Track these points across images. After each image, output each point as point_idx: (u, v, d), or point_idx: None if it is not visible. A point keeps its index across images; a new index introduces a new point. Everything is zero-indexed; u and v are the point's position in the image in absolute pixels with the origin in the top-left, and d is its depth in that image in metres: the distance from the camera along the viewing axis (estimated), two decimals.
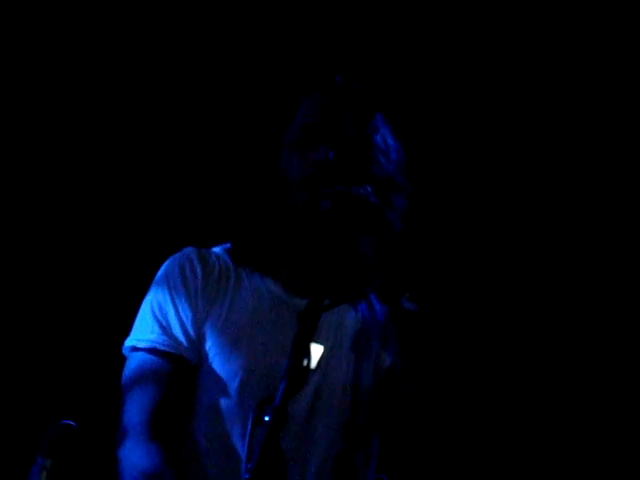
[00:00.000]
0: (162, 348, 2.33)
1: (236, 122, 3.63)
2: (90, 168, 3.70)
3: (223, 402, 2.32)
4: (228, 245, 2.49)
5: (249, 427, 1.81)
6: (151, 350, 2.34)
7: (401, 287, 2.31)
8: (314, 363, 2.30)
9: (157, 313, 2.37)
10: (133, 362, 2.36)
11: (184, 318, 2.36)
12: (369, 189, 2.29)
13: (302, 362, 1.84)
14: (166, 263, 2.44)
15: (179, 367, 2.33)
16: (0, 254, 3.60)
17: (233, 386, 2.32)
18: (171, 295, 2.38)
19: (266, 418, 1.78)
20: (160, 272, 2.44)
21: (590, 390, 3.76)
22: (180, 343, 2.34)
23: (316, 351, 2.30)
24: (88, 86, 3.70)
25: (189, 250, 2.44)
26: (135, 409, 2.29)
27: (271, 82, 3.57)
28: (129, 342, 2.38)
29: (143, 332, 2.36)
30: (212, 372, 2.34)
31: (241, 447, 2.24)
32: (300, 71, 2.96)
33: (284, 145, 2.44)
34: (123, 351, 2.41)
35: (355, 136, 2.39)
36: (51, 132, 3.69)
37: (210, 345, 2.35)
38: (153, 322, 2.36)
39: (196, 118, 3.74)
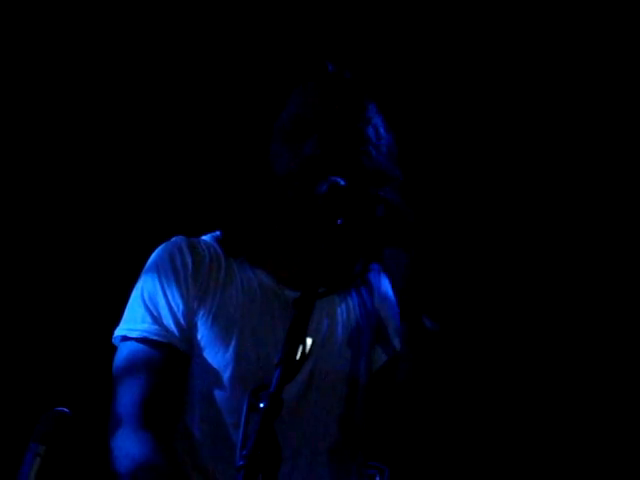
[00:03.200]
0: (153, 337, 2.33)
1: (226, 111, 3.62)
2: (79, 157, 3.70)
3: (216, 391, 2.32)
4: (217, 233, 2.49)
5: (243, 414, 1.80)
6: (142, 340, 2.33)
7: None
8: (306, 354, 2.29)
9: (148, 302, 2.36)
10: (124, 352, 2.35)
11: (175, 307, 2.35)
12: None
13: (297, 348, 1.84)
14: (156, 252, 2.43)
15: (170, 356, 2.33)
16: None
17: (225, 376, 2.31)
18: (162, 284, 2.37)
19: (261, 405, 1.77)
20: (150, 261, 2.43)
21: (592, 394, 3.77)
22: (171, 332, 2.33)
23: (307, 342, 2.30)
24: (71, 71, 3.69)
25: (179, 239, 2.44)
26: (127, 398, 2.29)
27: (262, 70, 3.56)
28: (119, 332, 2.37)
29: (134, 321, 2.36)
30: (204, 362, 2.33)
31: (235, 434, 2.25)
32: (291, 58, 2.95)
33: (274, 135, 2.43)
34: (113, 340, 2.40)
35: (345, 129, 2.38)
36: (35, 118, 3.68)
37: (202, 335, 2.34)
38: (144, 311, 2.35)
39: (186, 107, 3.73)
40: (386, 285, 2.59)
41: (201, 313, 2.35)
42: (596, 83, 3.79)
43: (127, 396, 2.29)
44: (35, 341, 3.57)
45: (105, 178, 3.71)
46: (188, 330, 2.35)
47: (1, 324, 3.56)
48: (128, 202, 3.69)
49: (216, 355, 2.32)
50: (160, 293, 2.36)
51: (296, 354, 1.83)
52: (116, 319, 2.41)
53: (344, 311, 2.46)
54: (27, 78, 3.67)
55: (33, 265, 3.63)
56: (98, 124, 3.72)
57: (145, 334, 2.33)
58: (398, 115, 2.61)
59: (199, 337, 2.34)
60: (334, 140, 2.35)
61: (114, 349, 2.40)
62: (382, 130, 2.47)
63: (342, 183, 2.20)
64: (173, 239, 2.44)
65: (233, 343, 2.33)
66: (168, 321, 2.34)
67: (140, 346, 2.33)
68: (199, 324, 2.35)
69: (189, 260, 2.39)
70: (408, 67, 3.79)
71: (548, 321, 3.82)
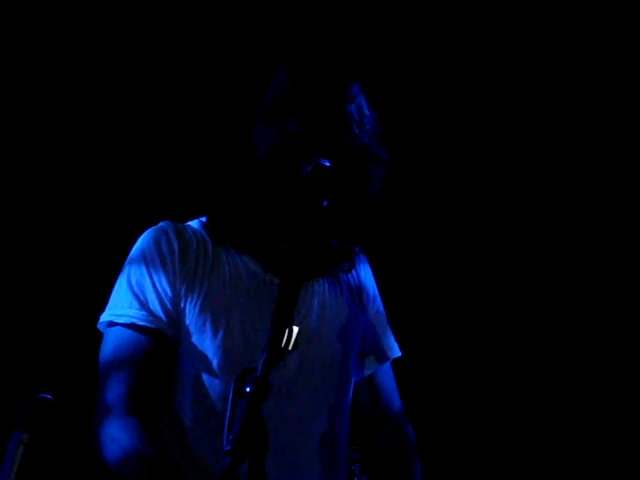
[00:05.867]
0: (141, 323, 2.30)
1: (209, 94, 3.60)
2: (64, 144, 3.68)
3: (205, 377, 2.30)
4: (204, 219, 2.46)
5: (230, 398, 1.78)
6: (130, 325, 2.31)
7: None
8: (292, 343, 2.29)
9: (135, 288, 2.34)
10: (111, 337, 2.32)
11: (162, 293, 2.33)
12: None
13: (284, 332, 1.82)
14: (141, 238, 2.41)
15: (158, 342, 2.31)
16: None
17: (214, 362, 2.30)
18: (148, 270, 2.35)
19: (247, 389, 1.75)
20: (136, 247, 2.40)
21: (590, 394, 3.79)
22: (159, 318, 2.31)
23: (294, 331, 2.29)
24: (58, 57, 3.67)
25: (165, 224, 2.41)
26: (114, 384, 2.27)
27: (245, 51, 3.55)
28: (106, 317, 2.35)
29: (121, 307, 2.33)
30: (193, 348, 2.31)
31: (223, 419, 2.23)
32: (274, 39, 2.94)
33: (256, 117, 2.40)
34: (98, 326, 2.38)
35: (326, 107, 2.36)
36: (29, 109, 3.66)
37: (189, 322, 2.32)
38: (131, 297, 2.33)
39: (170, 92, 3.72)
40: (370, 275, 2.59)
41: (189, 299, 2.33)
42: (596, 83, 3.80)
43: (114, 383, 2.27)
44: (17, 328, 3.55)
45: (90, 164, 3.69)
46: (176, 316, 2.33)
47: None
48: (113, 188, 3.68)
49: (204, 342, 2.31)
50: (147, 278, 2.34)
51: (282, 338, 1.81)
52: (100, 305, 2.39)
53: (333, 297, 2.46)
54: (25, 74, 3.66)
55: (16, 252, 3.61)
56: (84, 110, 3.71)
57: (133, 320, 2.31)
58: (383, 96, 2.59)
59: (187, 323, 2.32)
60: (315, 118, 2.33)
61: (97, 334, 2.38)
62: (365, 109, 2.45)
63: (327, 164, 2.17)
64: (159, 224, 2.42)
65: (221, 330, 2.31)
66: (155, 307, 2.32)
67: (127, 332, 2.31)
68: (187, 310, 2.33)
69: (176, 246, 2.36)
70: (392, 49, 3.78)
71: (546, 321, 3.84)
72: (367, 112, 2.45)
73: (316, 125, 2.32)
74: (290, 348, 1.89)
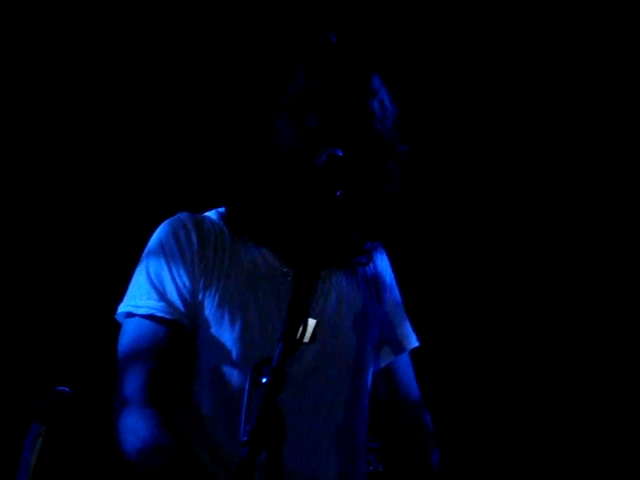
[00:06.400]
0: (160, 314, 2.31)
1: (231, 87, 3.60)
2: (84, 132, 3.69)
3: (223, 368, 2.30)
4: (222, 210, 2.46)
5: (246, 389, 1.78)
6: (148, 316, 2.31)
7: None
8: (309, 336, 2.29)
9: (153, 279, 2.34)
10: (129, 328, 2.33)
11: (180, 284, 2.33)
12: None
13: (299, 323, 1.81)
14: (160, 229, 2.41)
15: (176, 333, 2.31)
16: None
17: (232, 354, 2.30)
18: (167, 261, 2.35)
19: (263, 380, 1.75)
20: (154, 238, 2.40)
21: (590, 394, 3.78)
22: (177, 309, 2.32)
23: (310, 325, 2.29)
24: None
25: (183, 216, 2.41)
26: (133, 375, 2.27)
27: (267, 44, 3.54)
28: (124, 308, 2.35)
29: (139, 298, 2.33)
30: (211, 340, 2.31)
31: (241, 409, 2.23)
32: (295, 32, 2.94)
33: (279, 111, 2.39)
34: (117, 317, 2.38)
35: (349, 104, 2.35)
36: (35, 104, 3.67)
37: (208, 313, 2.32)
38: (150, 288, 2.33)
39: (191, 83, 3.72)
40: (387, 266, 2.59)
41: (207, 291, 2.33)
42: (596, 83, 3.79)
43: (133, 374, 2.28)
44: (35, 319, 3.56)
45: (111, 154, 3.70)
46: (194, 307, 2.33)
47: (3, 302, 3.56)
48: (133, 178, 3.68)
49: (222, 334, 2.31)
50: (166, 269, 2.34)
51: (298, 329, 1.81)
52: (118, 295, 2.39)
53: (350, 289, 2.46)
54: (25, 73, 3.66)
55: (34, 242, 3.62)
56: (103, 99, 3.71)
57: (151, 311, 2.31)
58: (402, 82, 2.58)
59: (205, 315, 2.33)
60: (337, 114, 2.32)
61: (115, 326, 2.39)
62: (387, 103, 2.44)
63: (340, 153, 2.16)
64: (177, 215, 2.42)
65: (239, 322, 2.31)
66: (174, 298, 2.32)
67: (146, 323, 2.31)
68: (205, 302, 2.33)
69: (194, 237, 2.36)
70: (411, 34, 3.78)
71: (546, 321, 3.84)
72: (389, 106, 2.44)
73: (338, 121, 2.31)
74: (307, 341, 1.89)
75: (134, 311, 2.33)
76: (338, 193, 2.08)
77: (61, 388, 1.98)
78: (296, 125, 2.33)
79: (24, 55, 3.64)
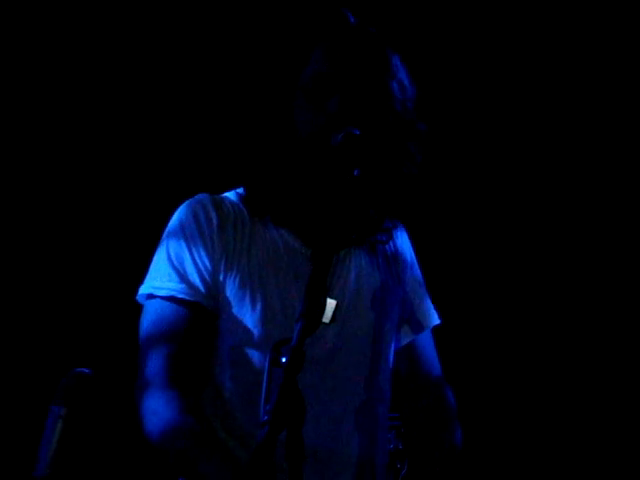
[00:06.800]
0: (180, 296, 2.31)
1: (249, 68, 3.60)
2: (103, 119, 3.70)
3: (244, 349, 2.30)
4: (241, 190, 2.46)
5: (266, 369, 1.78)
6: (170, 298, 2.31)
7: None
8: (329, 317, 2.28)
9: (174, 261, 2.34)
10: (150, 310, 2.33)
11: (201, 266, 2.33)
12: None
13: (318, 302, 1.81)
14: (179, 210, 2.41)
15: (197, 315, 2.32)
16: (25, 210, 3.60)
17: (253, 334, 2.30)
18: (187, 242, 2.35)
19: (283, 359, 1.75)
20: (174, 219, 2.40)
21: (590, 395, 3.78)
22: (198, 291, 2.32)
23: (330, 305, 2.29)
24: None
25: (202, 197, 2.41)
26: (154, 357, 2.28)
27: (284, 25, 3.53)
28: (145, 289, 2.35)
29: (160, 280, 2.34)
30: (232, 321, 2.32)
31: (260, 390, 2.23)
32: (314, 10, 2.94)
33: (297, 92, 2.38)
34: (138, 298, 2.39)
35: (369, 86, 2.33)
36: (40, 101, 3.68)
37: (229, 294, 2.33)
38: (170, 270, 2.33)
39: (209, 65, 3.72)
40: (407, 244, 2.58)
41: (228, 272, 2.33)
42: (596, 83, 3.77)
43: (154, 356, 2.28)
44: (57, 301, 3.58)
45: (132, 136, 3.71)
46: (215, 289, 2.33)
47: (23, 284, 3.57)
48: (153, 161, 3.69)
49: (244, 315, 2.31)
50: (186, 251, 2.34)
51: (317, 308, 1.80)
52: (139, 277, 2.40)
53: (370, 268, 2.45)
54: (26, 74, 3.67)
55: (56, 226, 3.64)
56: (126, 87, 3.72)
57: (172, 292, 2.31)
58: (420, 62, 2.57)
59: (226, 296, 2.33)
60: (358, 98, 2.31)
61: (135, 309, 2.39)
62: (407, 83, 2.42)
63: (356, 132, 2.15)
64: (197, 196, 2.42)
65: (260, 303, 2.31)
66: (195, 279, 2.32)
67: (167, 304, 2.31)
68: (226, 283, 2.33)
69: (214, 218, 2.36)
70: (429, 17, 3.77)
71: (546, 321, 3.84)
72: (408, 86, 2.42)
73: (359, 104, 2.30)
74: (327, 321, 1.88)
75: (155, 292, 2.33)
76: (355, 172, 2.08)
77: (82, 369, 1.99)
78: (316, 108, 2.31)
79: (25, 56, 3.65)
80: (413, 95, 2.43)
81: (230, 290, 2.32)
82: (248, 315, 2.30)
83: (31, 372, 3.46)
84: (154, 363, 2.27)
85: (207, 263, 2.33)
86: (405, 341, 2.55)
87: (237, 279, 2.32)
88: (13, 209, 3.61)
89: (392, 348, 2.47)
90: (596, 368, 3.79)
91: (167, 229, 2.40)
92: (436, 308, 2.62)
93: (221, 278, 2.33)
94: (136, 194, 3.66)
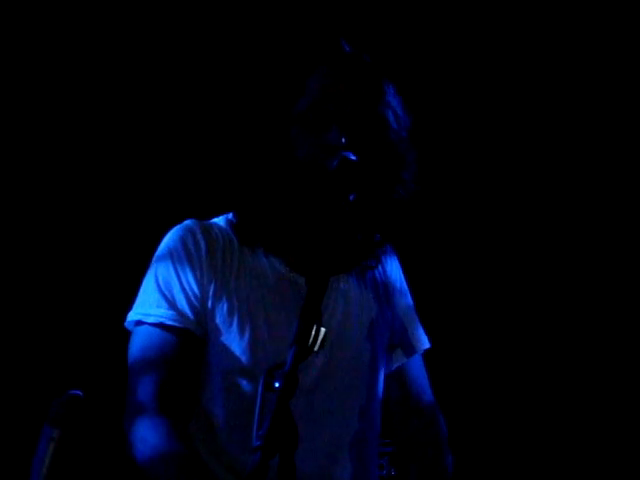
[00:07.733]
0: (169, 323, 2.30)
1: (244, 94, 3.60)
2: (94, 137, 3.69)
3: (233, 375, 2.30)
4: (230, 216, 2.45)
5: (259, 394, 1.78)
6: (158, 325, 2.31)
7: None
8: (317, 344, 2.28)
9: (162, 287, 2.33)
10: (139, 337, 2.32)
11: (189, 292, 2.32)
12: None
13: (311, 328, 1.81)
14: (168, 236, 2.40)
15: (186, 341, 2.31)
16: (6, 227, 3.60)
17: (242, 360, 2.29)
18: (175, 269, 2.34)
19: (276, 384, 1.74)
20: (162, 245, 2.40)
21: (590, 395, 3.79)
22: (186, 317, 2.31)
23: (321, 332, 2.29)
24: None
25: (191, 222, 2.40)
26: (143, 384, 2.26)
27: (279, 51, 3.54)
28: (133, 316, 2.34)
29: (149, 306, 2.33)
30: (221, 346, 2.31)
31: (252, 416, 2.22)
32: (307, 39, 2.96)
33: (294, 121, 2.37)
34: (126, 325, 2.37)
35: (366, 116, 2.34)
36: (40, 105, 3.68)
37: (217, 320, 2.32)
38: (159, 296, 2.32)
39: (204, 90, 3.73)
40: (397, 269, 2.58)
41: (216, 298, 2.33)
42: (596, 83, 3.79)
43: (143, 382, 2.27)
44: (47, 325, 3.57)
45: (119, 162, 3.70)
46: (203, 315, 2.32)
47: (15, 308, 3.56)
48: (142, 186, 3.68)
49: (232, 341, 2.30)
50: (174, 277, 2.33)
51: (310, 333, 1.80)
52: (128, 302, 2.39)
53: (359, 294, 2.45)
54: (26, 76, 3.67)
55: (45, 249, 3.62)
56: (115, 104, 3.71)
57: (161, 319, 2.30)
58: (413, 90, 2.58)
59: (215, 322, 2.32)
60: (355, 128, 2.31)
61: (126, 332, 2.38)
62: (401, 113, 2.43)
63: (352, 158, 2.16)
64: (185, 222, 2.41)
65: (248, 330, 2.30)
66: (183, 306, 2.31)
67: (156, 331, 2.31)
68: (215, 309, 2.32)
69: (202, 244, 2.35)
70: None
71: (546, 321, 3.84)
72: (403, 117, 2.43)
73: (356, 134, 2.30)
74: (316, 349, 1.88)
75: (144, 319, 2.32)
76: (351, 197, 2.08)
77: (74, 392, 1.98)
78: (315, 137, 2.31)
79: (27, 56, 3.65)
80: (407, 124, 2.44)
81: (219, 317, 2.32)
82: (236, 341, 2.30)
83: (24, 394, 3.44)
84: (143, 390, 2.26)
85: (195, 289, 2.32)
86: (396, 365, 2.55)
87: (225, 306, 2.32)
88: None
89: (382, 375, 2.46)
90: (589, 387, 3.80)
91: (155, 255, 2.39)
92: (426, 332, 2.62)
93: (209, 305, 2.32)
94: (126, 219, 3.65)
